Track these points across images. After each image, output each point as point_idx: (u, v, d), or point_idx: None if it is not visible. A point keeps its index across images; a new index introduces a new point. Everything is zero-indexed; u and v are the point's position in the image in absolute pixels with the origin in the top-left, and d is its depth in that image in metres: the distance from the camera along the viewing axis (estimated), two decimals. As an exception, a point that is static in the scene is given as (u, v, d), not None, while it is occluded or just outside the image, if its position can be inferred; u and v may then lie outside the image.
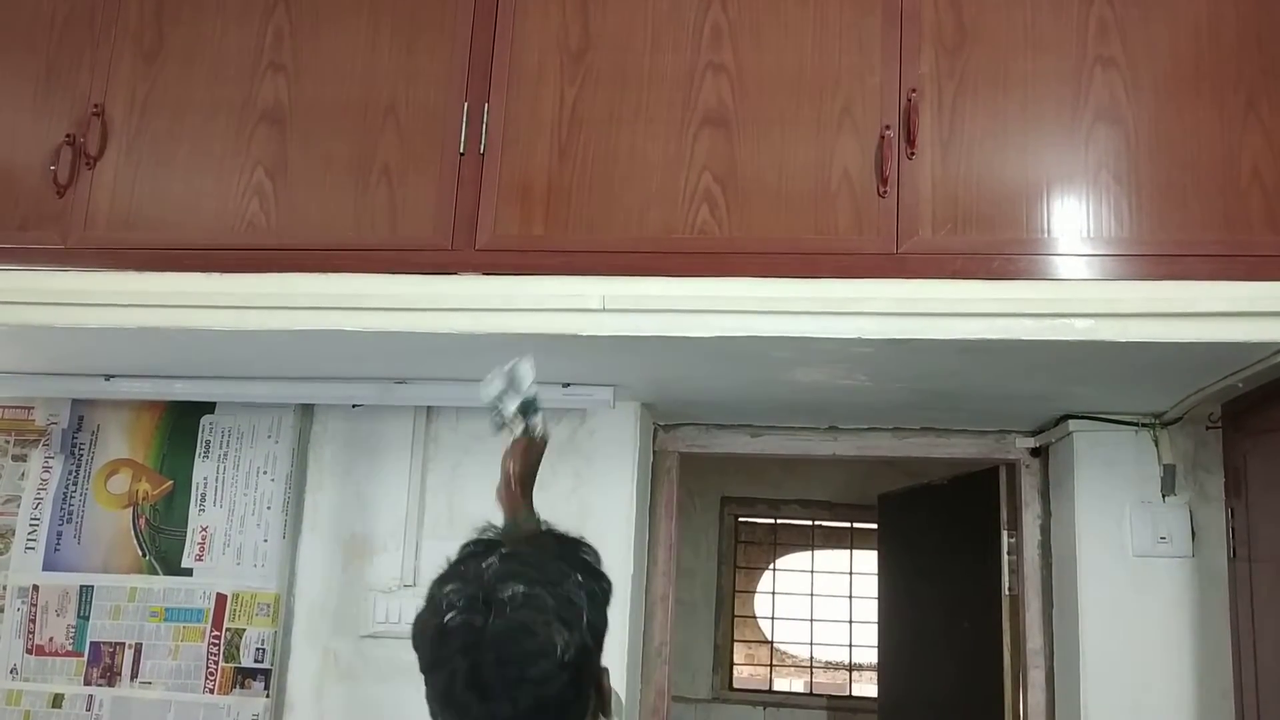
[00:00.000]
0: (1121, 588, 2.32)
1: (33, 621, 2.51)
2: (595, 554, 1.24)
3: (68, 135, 2.03)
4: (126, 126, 2.04)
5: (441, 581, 1.15)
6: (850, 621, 6.11)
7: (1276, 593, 1.97)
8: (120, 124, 2.04)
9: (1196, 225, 1.78)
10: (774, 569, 6.35)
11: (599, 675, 1.18)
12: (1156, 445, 2.36)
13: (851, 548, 6.20)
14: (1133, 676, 2.29)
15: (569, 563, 1.18)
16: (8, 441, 2.64)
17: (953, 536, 3.23)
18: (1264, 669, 2.00)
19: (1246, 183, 1.78)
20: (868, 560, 5.69)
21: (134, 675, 2.47)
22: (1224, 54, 1.82)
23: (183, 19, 2.07)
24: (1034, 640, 2.55)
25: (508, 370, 1.69)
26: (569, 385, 2.34)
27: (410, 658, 2.55)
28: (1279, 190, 1.77)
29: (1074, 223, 1.80)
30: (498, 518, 1.81)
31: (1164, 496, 2.34)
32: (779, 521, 6.26)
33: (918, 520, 3.79)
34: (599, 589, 1.18)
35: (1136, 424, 2.38)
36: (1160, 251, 1.77)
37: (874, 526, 4.81)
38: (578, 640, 1.11)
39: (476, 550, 1.19)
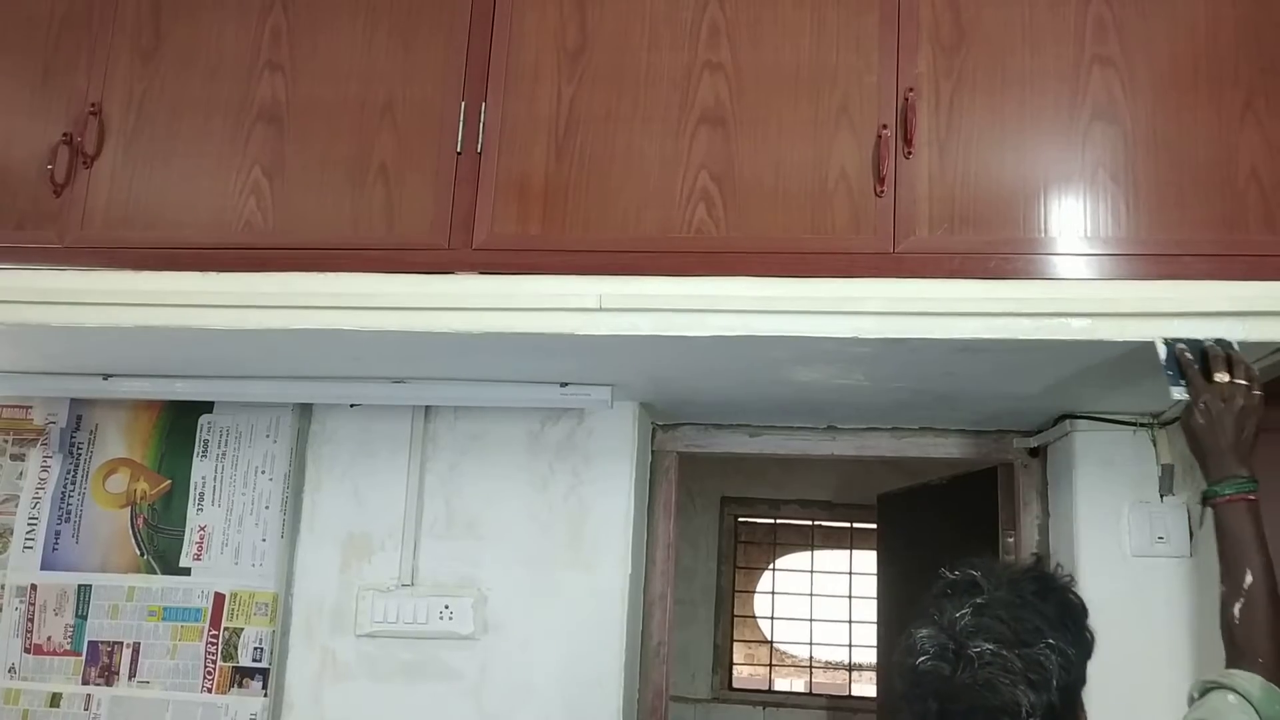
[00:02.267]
0: (1119, 587, 2.32)
1: (31, 621, 2.51)
2: (1079, 603, 1.23)
3: (65, 134, 2.03)
4: (124, 126, 2.04)
5: (919, 623, 1.20)
6: (850, 621, 6.11)
7: (1274, 592, 1.96)
8: (117, 123, 2.04)
9: (1194, 225, 1.78)
10: (773, 569, 6.35)
11: None
12: (1155, 445, 2.35)
13: (851, 548, 6.19)
14: (1130, 676, 2.29)
15: (1045, 619, 1.17)
16: (6, 441, 2.64)
17: (952, 536, 3.23)
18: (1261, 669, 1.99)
19: (1244, 182, 1.78)
20: (867, 560, 5.69)
21: (132, 674, 2.47)
22: (1222, 53, 1.82)
23: (180, 18, 2.07)
24: (1032, 640, 2.55)
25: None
26: (566, 385, 2.34)
27: (408, 657, 2.57)
28: (1276, 190, 1.77)
29: (1071, 222, 1.80)
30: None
31: (1162, 496, 2.34)
32: (778, 521, 6.26)
33: (917, 520, 3.79)
34: (1073, 651, 1.17)
35: (1135, 424, 2.37)
36: (1157, 251, 1.77)
37: (873, 526, 4.80)
38: (1044, 701, 1.12)
39: (954, 591, 1.21)
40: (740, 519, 6.19)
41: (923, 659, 1.16)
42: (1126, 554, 2.34)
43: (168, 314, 1.95)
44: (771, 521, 6.27)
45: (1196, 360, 1.63)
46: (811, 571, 6.34)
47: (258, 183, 1.99)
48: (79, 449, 2.60)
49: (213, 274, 1.95)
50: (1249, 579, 1.46)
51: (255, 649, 2.44)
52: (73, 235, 2.01)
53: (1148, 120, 1.81)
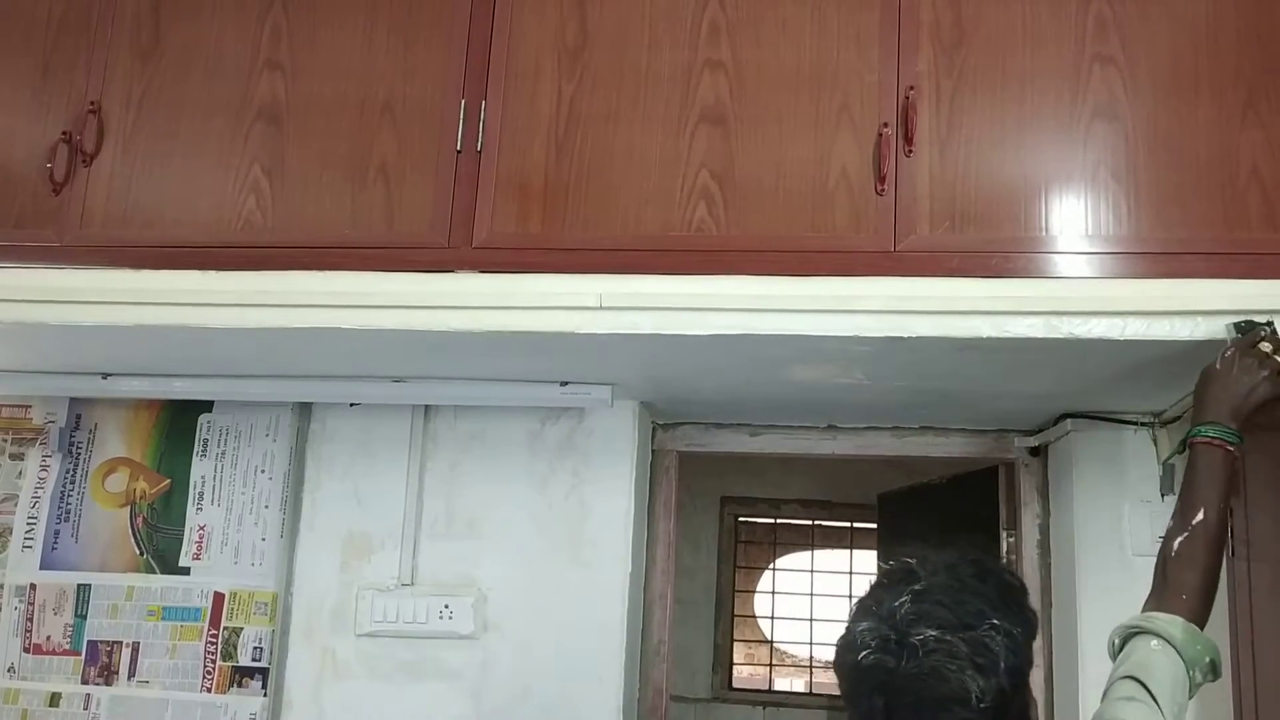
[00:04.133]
0: (1120, 586, 2.31)
1: (30, 620, 2.51)
2: (1018, 583, 1.20)
3: (64, 133, 2.03)
4: (123, 124, 2.04)
5: (857, 617, 1.16)
6: (850, 621, 6.10)
7: (1275, 592, 1.96)
8: (117, 122, 2.04)
9: (1195, 223, 1.77)
10: (774, 568, 6.35)
11: (1026, 712, 1.16)
12: (1156, 444, 2.35)
13: (851, 547, 6.19)
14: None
15: (987, 600, 1.13)
16: (5, 440, 2.64)
17: (952, 536, 3.22)
18: (1262, 667, 1.99)
19: (1245, 181, 1.77)
20: (868, 560, 5.68)
21: (131, 674, 2.46)
22: (1223, 51, 1.82)
23: (180, 17, 2.07)
24: (1033, 639, 2.55)
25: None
26: (567, 384, 2.33)
27: (407, 656, 2.56)
28: (1277, 188, 1.77)
29: (1072, 221, 1.79)
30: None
31: (1163, 495, 2.34)
32: (779, 521, 6.26)
33: (917, 520, 3.79)
34: (1018, 630, 1.13)
35: (1135, 423, 2.37)
36: (1159, 249, 1.77)
37: (874, 526, 4.80)
38: (994, 686, 1.08)
39: (890, 580, 1.18)
40: (740, 518, 6.19)
41: (864, 653, 1.12)
42: (1127, 553, 2.34)
43: (167, 313, 1.94)
44: (772, 521, 6.27)
45: (1261, 333, 1.63)
46: (812, 571, 6.34)
47: (257, 181, 1.98)
48: (78, 448, 2.60)
49: (212, 272, 1.94)
50: (1200, 516, 1.45)
51: (255, 648, 2.44)
52: (72, 234, 2.00)
53: (1149, 119, 1.81)
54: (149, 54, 2.06)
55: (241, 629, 2.45)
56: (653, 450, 2.69)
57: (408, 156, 1.95)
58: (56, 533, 2.55)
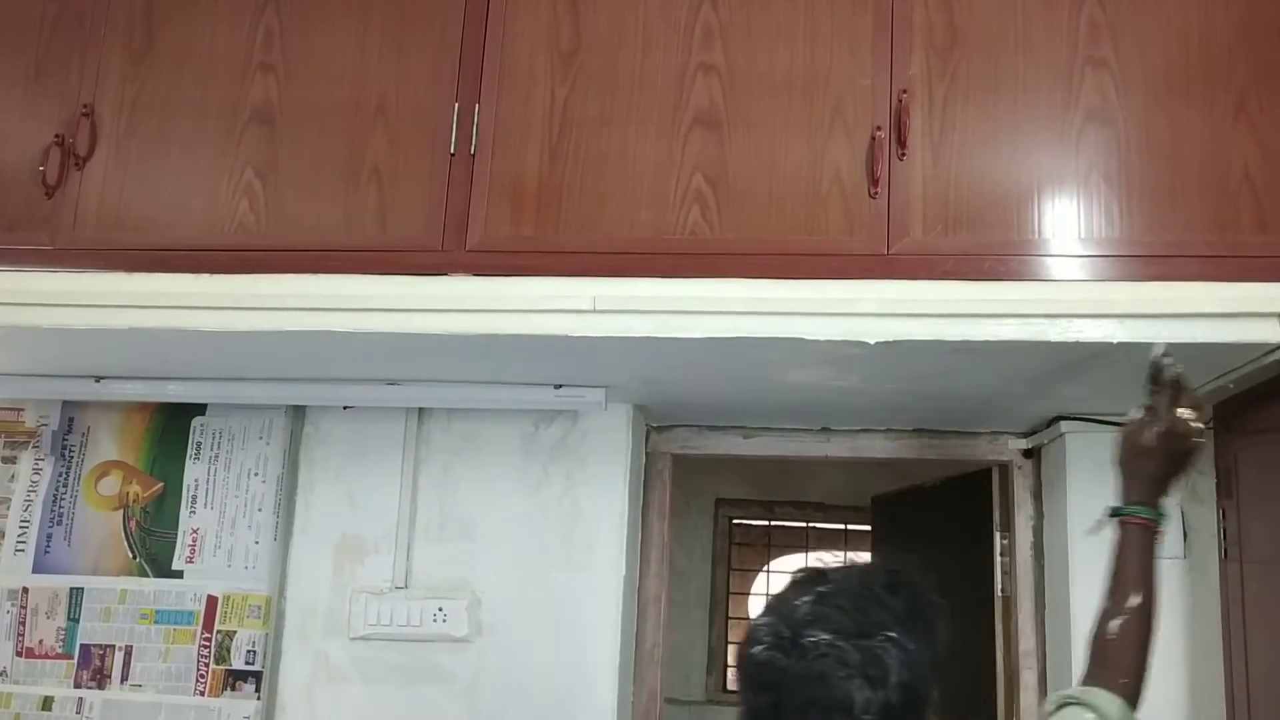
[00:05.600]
0: (1113, 589, 2.32)
1: (22, 624, 2.50)
2: (935, 603, 1.16)
3: (57, 136, 2.03)
4: (116, 127, 2.04)
5: (762, 612, 1.14)
6: (844, 623, 6.10)
7: (1267, 594, 1.97)
8: (109, 124, 2.04)
9: (1187, 226, 1.78)
10: (768, 571, 6.34)
11: None
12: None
13: (846, 549, 6.19)
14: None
15: (891, 613, 1.11)
16: (-2, 443, 2.63)
17: (946, 538, 3.22)
18: (1255, 669, 2.00)
19: (1236, 184, 1.78)
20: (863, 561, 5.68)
21: (124, 678, 2.45)
22: (1214, 55, 1.82)
23: (172, 19, 2.07)
24: (1026, 641, 2.55)
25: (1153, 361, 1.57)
26: (560, 387, 2.33)
27: (401, 659, 2.56)
28: (1269, 191, 1.78)
29: (1065, 224, 1.80)
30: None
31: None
32: (773, 523, 6.26)
33: (911, 522, 3.79)
34: (916, 647, 1.10)
35: (1128, 425, 2.37)
36: (1151, 252, 1.78)
37: (868, 528, 4.80)
38: (880, 699, 1.06)
39: (801, 579, 1.16)
40: (735, 521, 6.18)
41: (759, 648, 1.10)
42: (1120, 555, 2.33)
43: (160, 316, 1.94)
44: (766, 523, 6.27)
45: (1170, 383, 1.56)
46: (806, 573, 6.33)
47: (250, 184, 1.98)
48: (71, 451, 2.59)
49: (205, 276, 1.94)
50: (1135, 600, 1.42)
51: (248, 652, 2.43)
52: (64, 237, 2.00)
53: (1141, 122, 1.81)
54: (142, 56, 2.06)
55: (235, 632, 2.45)
56: (647, 453, 2.69)
57: (401, 159, 1.95)
58: (49, 536, 2.54)
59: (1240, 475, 2.10)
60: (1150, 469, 1.51)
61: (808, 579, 1.16)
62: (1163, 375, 1.55)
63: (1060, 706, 1.36)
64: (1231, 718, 2.10)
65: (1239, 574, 2.07)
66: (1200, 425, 1.54)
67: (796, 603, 1.12)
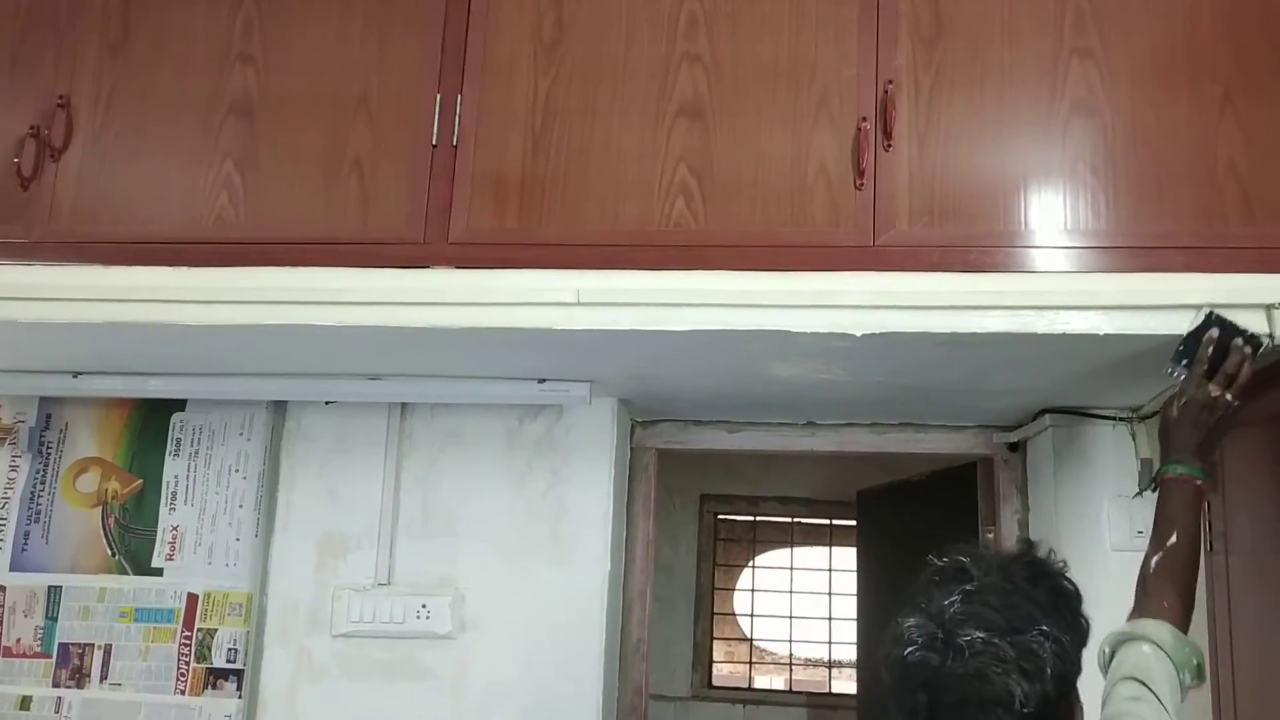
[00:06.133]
0: (1099, 582, 2.28)
1: (0, 623, 2.47)
2: (1073, 589, 1.20)
3: (32, 127, 2.00)
4: (92, 119, 2.01)
5: (907, 612, 1.16)
6: (830, 618, 6.11)
7: (1252, 586, 1.97)
8: (86, 116, 2.01)
9: (1172, 218, 1.78)
10: (753, 566, 6.34)
11: (1071, 716, 1.16)
12: (1134, 439, 2.36)
13: (831, 544, 6.20)
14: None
15: (1038, 605, 1.14)
16: (-26, 440, 2.60)
17: (932, 532, 3.22)
18: (1240, 661, 2.00)
19: (1222, 175, 1.78)
20: (847, 557, 5.69)
21: (104, 677, 2.43)
22: (1200, 46, 1.82)
23: (149, 10, 2.05)
24: (1012, 635, 2.55)
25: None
26: (545, 381, 2.32)
27: (384, 656, 2.54)
28: (1254, 183, 1.78)
29: (1051, 215, 1.79)
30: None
31: (1141, 491, 2.34)
32: (758, 519, 6.26)
33: (896, 516, 3.79)
34: (1067, 637, 1.13)
35: (1114, 418, 2.37)
36: (1137, 244, 1.77)
37: (853, 523, 4.80)
38: (1038, 691, 1.08)
39: (941, 578, 1.18)
40: (720, 516, 6.18)
41: (911, 649, 1.12)
42: (1106, 548, 2.34)
43: (138, 310, 1.92)
44: (751, 518, 6.27)
45: (1212, 352, 1.65)
46: (791, 568, 6.33)
47: (229, 176, 1.96)
48: (49, 448, 2.56)
49: (184, 269, 1.92)
50: (1173, 539, 1.52)
51: (229, 650, 2.41)
52: (40, 229, 1.98)
53: (1127, 113, 1.81)
54: (118, 47, 2.04)
55: (216, 630, 2.42)
56: (631, 448, 2.68)
57: (383, 151, 1.93)
58: (26, 534, 2.52)
59: (1225, 468, 2.09)
60: (1185, 438, 1.61)
61: (950, 576, 1.17)
62: (1206, 348, 1.65)
63: (1115, 648, 1.40)
64: (1217, 712, 2.10)
65: (1225, 567, 2.07)
66: (1228, 399, 1.62)
67: (945, 603, 1.14)
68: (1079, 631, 1.17)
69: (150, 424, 2.55)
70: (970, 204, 1.81)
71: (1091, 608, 1.98)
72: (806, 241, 1.82)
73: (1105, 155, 1.80)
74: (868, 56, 1.86)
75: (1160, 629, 1.38)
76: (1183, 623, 1.43)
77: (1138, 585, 1.50)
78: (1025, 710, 1.08)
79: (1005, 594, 1.14)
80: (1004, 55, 1.84)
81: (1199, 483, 1.57)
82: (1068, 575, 1.21)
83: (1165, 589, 1.47)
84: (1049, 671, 1.09)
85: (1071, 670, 1.14)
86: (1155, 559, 1.51)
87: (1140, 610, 1.46)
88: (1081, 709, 1.19)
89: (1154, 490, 1.64)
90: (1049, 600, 1.15)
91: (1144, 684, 1.32)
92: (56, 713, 2.42)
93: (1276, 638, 1.92)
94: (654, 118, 1.88)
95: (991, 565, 1.18)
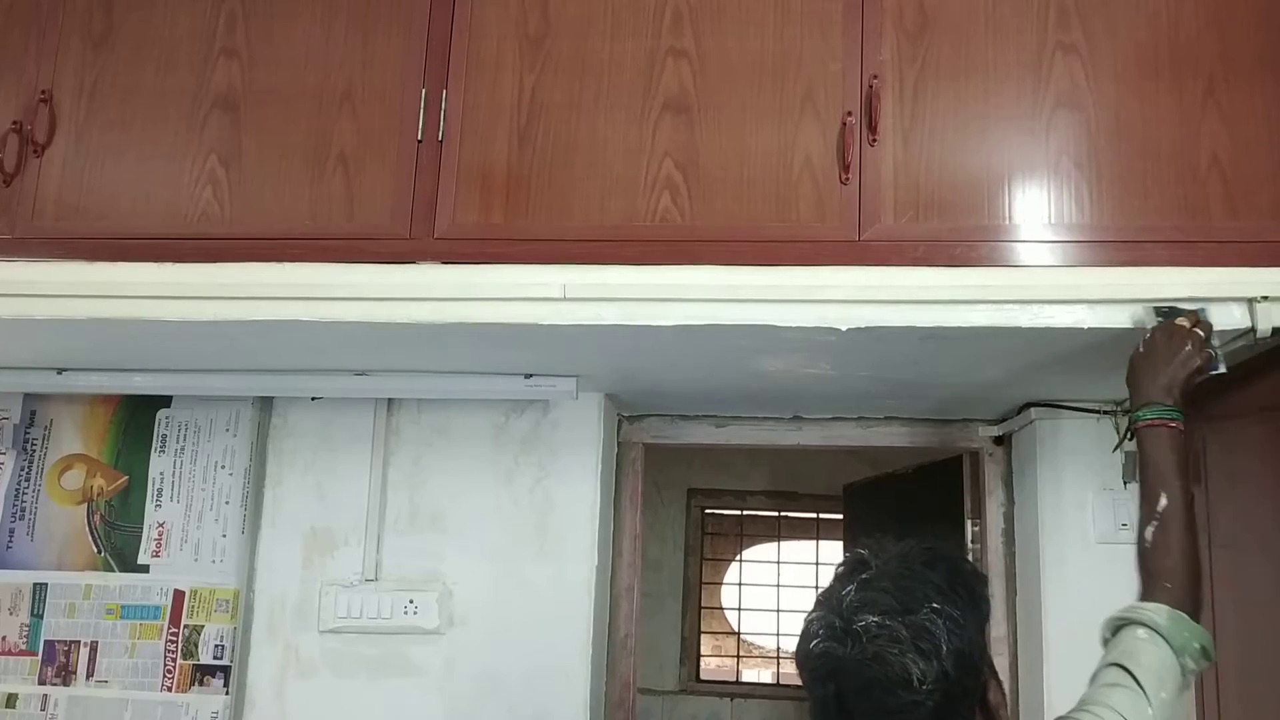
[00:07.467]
0: (1084, 574, 2.33)
1: (-15, 621, 2.46)
2: (972, 569, 1.21)
3: (14, 123, 1.98)
4: (75, 114, 2.00)
5: (812, 607, 1.19)
6: (817, 612, 6.13)
7: (1235, 578, 1.98)
8: (69, 111, 2.00)
9: (1156, 212, 1.78)
10: (741, 560, 6.36)
11: (983, 693, 1.17)
12: (1118, 432, 2.37)
13: (818, 538, 6.22)
14: (1095, 663, 2.30)
15: (933, 585, 1.15)
16: (-42, 437, 2.58)
17: (918, 525, 3.24)
18: (1224, 653, 2.01)
19: (1206, 169, 1.78)
20: (834, 551, 5.71)
21: (90, 674, 2.42)
22: (1184, 41, 1.82)
23: (133, 4, 2.03)
24: (997, 627, 2.56)
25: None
26: (531, 376, 2.32)
27: (372, 652, 2.54)
28: (1237, 177, 1.78)
29: (1035, 209, 1.80)
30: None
31: (1126, 483, 2.35)
32: (745, 513, 6.27)
33: (883, 510, 3.81)
34: (960, 614, 1.14)
35: (1099, 411, 2.39)
36: (1121, 238, 1.78)
37: (840, 517, 4.82)
38: (936, 669, 1.10)
39: (843, 571, 1.20)
40: (707, 511, 6.19)
41: (814, 642, 1.15)
42: (1091, 541, 2.35)
43: (122, 306, 1.91)
44: (738, 513, 6.28)
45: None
46: (778, 562, 6.35)
47: (214, 172, 1.95)
48: (33, 445, 2.55)
49: (168, 265, 1.91)
50: (1163, 502, 1.46)
51: (216, 646, 2.41)
52: (23, 225, 1.96)
53: (1111, 107, 1.81)
54: (101, 42, 2.02)
55: (202, 627, 2.42)
56: (618, 442, 2.68)
57: (368, 146, 1.93)
58: (11, 531, 2.50)
59: (1208, 461, 2.11)
60: (1150, 372, 1.57)
61: (850, 569, 1.20)
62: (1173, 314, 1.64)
63: (1115, 630, 1.39)
64: (1201, 703, 2.11)
65: (1208, 559, 2.09)
66: (1200, 333, 1.60)
67: (843, 593, 1.16)
68: (977, 609, 1.17)
69: (136, 420, 2.54)
70: (955, 198, 1.81)
71: (1077, 599, 2.00)
72: (792, 236, 1.82)
73: (1089, 149, 1.80)
74: (852, 50, 1.86)
75: (1157, 613, 1.36)
76: (1186, 601, 1.39)
77: (1138, 564, 1.47)
78: (925, 687, 1.09)
79: (899, 578, 1.16)
80: (988, 50, 1.84)
81: (1173, 424, 1.51)
82: (970, 558, 1.22)
83: (1166, 566, 1.43)
84: (945, 648, 1.11)
85: (971, 647, 1.14)
86: (1150, 531, 1.45)
87: (1143, 591, 1.43)
88: (999, 686, 1.20)
89: (1131, 439, 1.58)
90: (945, 581, 1.16)
91: (1127, 670, 1.31)
92: (43, 710, 2.42)
93: (1260, 630, 1.93)
94: (639, 113, 1.88)
95: (891, 554, 1.20)
